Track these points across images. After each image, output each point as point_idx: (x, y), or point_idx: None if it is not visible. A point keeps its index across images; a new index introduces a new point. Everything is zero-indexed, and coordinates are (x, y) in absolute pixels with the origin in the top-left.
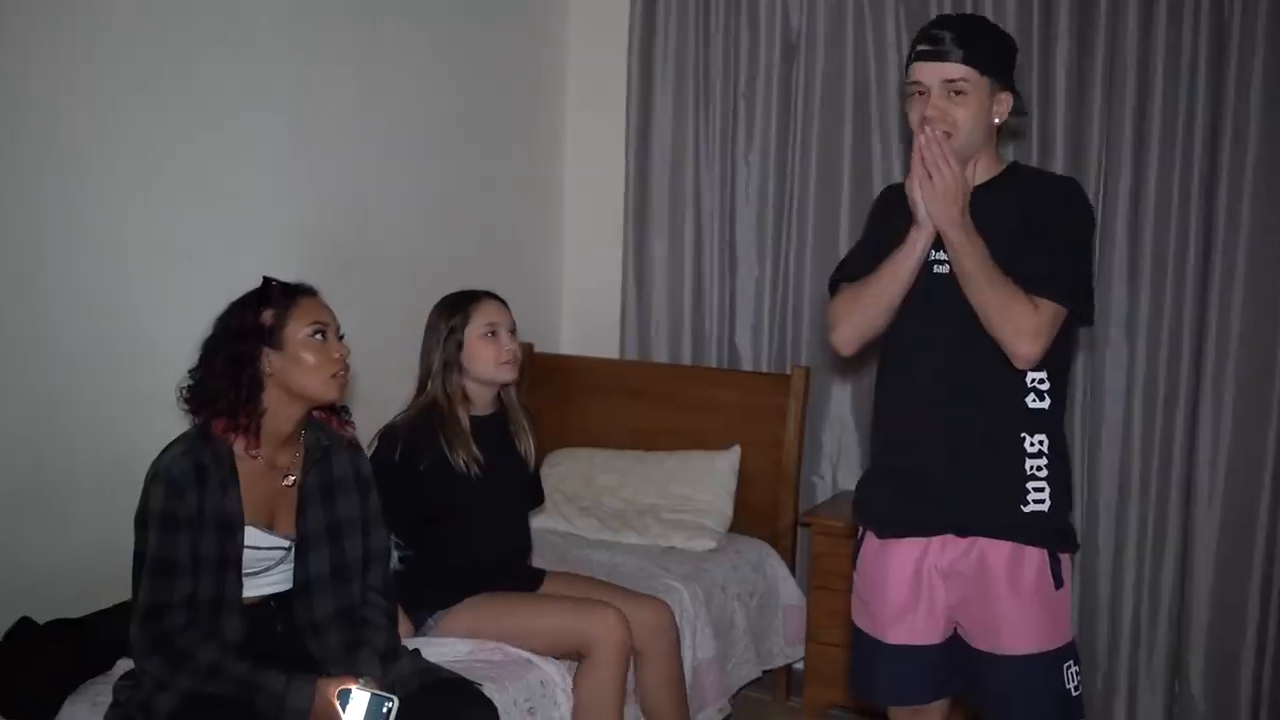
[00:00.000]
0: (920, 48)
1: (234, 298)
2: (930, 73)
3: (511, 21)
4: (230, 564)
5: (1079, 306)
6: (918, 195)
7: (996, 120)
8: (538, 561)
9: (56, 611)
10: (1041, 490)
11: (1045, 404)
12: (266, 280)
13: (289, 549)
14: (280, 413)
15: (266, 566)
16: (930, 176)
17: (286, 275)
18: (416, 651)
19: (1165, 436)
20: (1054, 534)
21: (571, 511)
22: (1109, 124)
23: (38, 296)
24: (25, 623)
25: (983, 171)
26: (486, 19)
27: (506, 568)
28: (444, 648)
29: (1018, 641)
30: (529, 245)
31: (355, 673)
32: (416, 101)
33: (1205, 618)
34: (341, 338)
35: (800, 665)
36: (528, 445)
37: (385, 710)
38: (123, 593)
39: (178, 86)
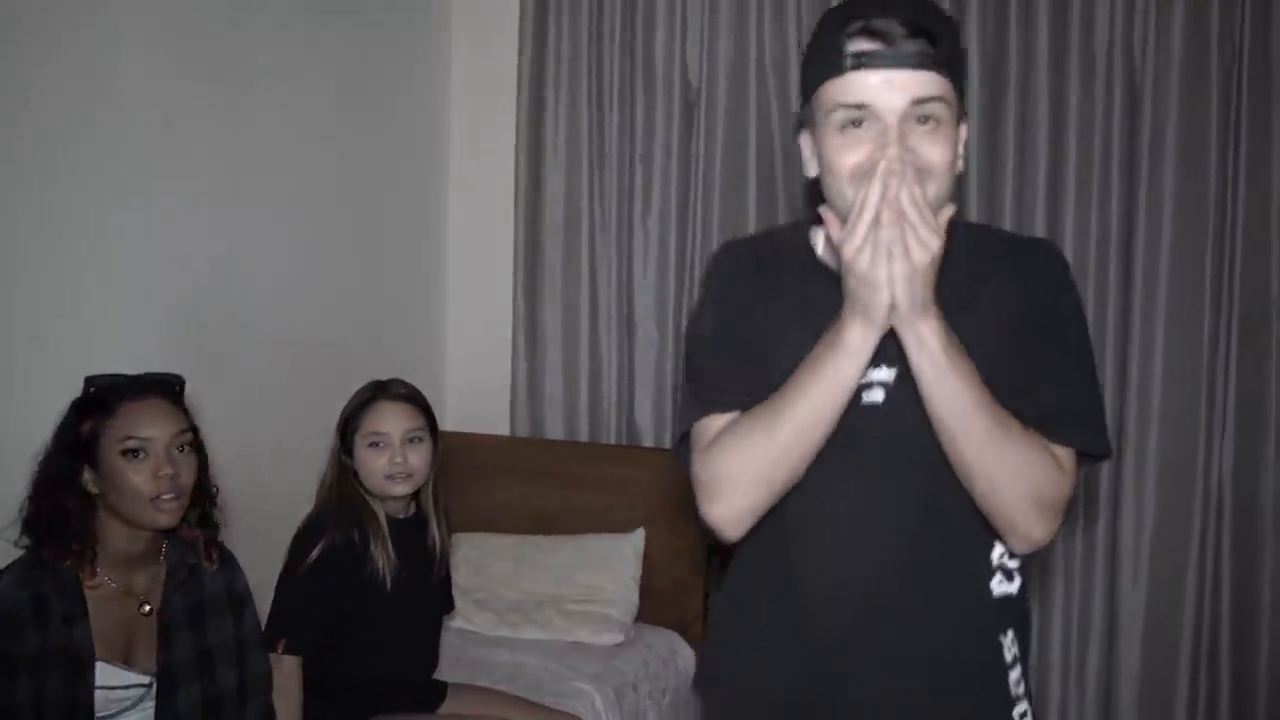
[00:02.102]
0: (861, 47)
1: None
2: (884, 90)
3: (392, 76)
4: (81, 709)
5: (1108, 448)
6: (881, 276)
7: (961, 160)
8: None
9: None
10: (1026, 716)
11: (1014, 586)
12: (88, 381)
13: (149, 686)
14: (118, 537)
15: (123, 708)
16: (909, 252)
17: (147, 358)
18: None
19: (1088, 516)
20: None
21: (466, 606)
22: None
23: None
24: None
25: None
26: (365, 77)
27: (409, 687)
28: None
29: None
30: (410, 316)
31: None
32: (287, 165)
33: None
34: (195, 445)
35: None
36: (444, 550)
37: None
38: None
39: (22, 150)
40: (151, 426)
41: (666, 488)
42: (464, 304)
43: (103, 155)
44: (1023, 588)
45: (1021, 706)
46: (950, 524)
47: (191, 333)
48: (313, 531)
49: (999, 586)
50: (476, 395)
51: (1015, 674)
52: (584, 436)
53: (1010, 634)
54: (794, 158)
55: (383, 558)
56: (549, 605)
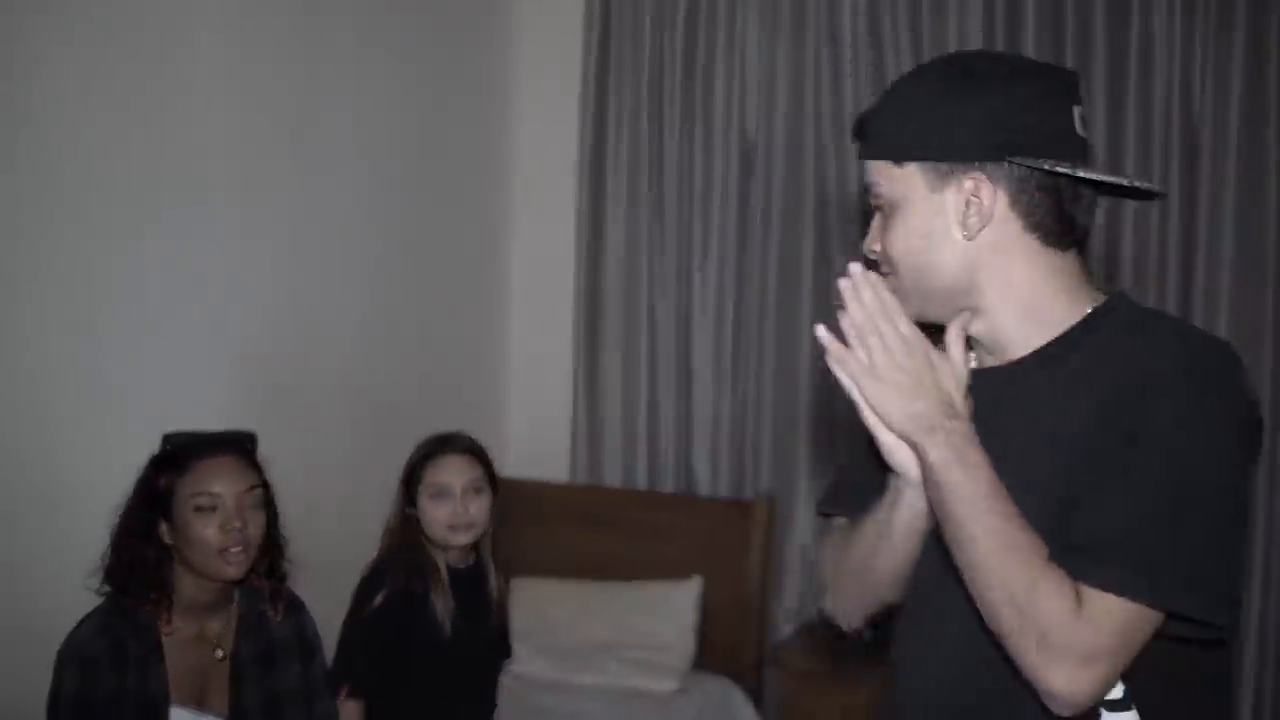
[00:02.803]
0: None
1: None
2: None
3: (457, 129)
4: None
5: (1180, 599)
6: (855, 394)
7: (973, 228)
8: None
9: None
10: None
11: (1127, 717)
12: (165, 439)
13: None
14: (192, 587)
15: None
16: (870, 359)
17: (217, 408)
18: None
19: None
20: None
21: (524, 650)
22: None
23: None
24: None
25: (1027, 334)
26: (432, 134)
27: None
28: None
29: None
30: (473, 364)
31: None
32: (357, 219)
33: None
34: (267, 500)
35: None
36: (502, 598)
37: None
38: None
39: (103, 208)
40: (221, 483)
41: (723, 536)
42: (526, 353)
43: (177, 210)
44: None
45: None
46: None
47: (262, 385)
48: (376, 579)
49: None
50: (537, 442)
51: None
52: (642, 484)
53: None
54: (849, 207)
55: (443, 606)
56: (606, 651)
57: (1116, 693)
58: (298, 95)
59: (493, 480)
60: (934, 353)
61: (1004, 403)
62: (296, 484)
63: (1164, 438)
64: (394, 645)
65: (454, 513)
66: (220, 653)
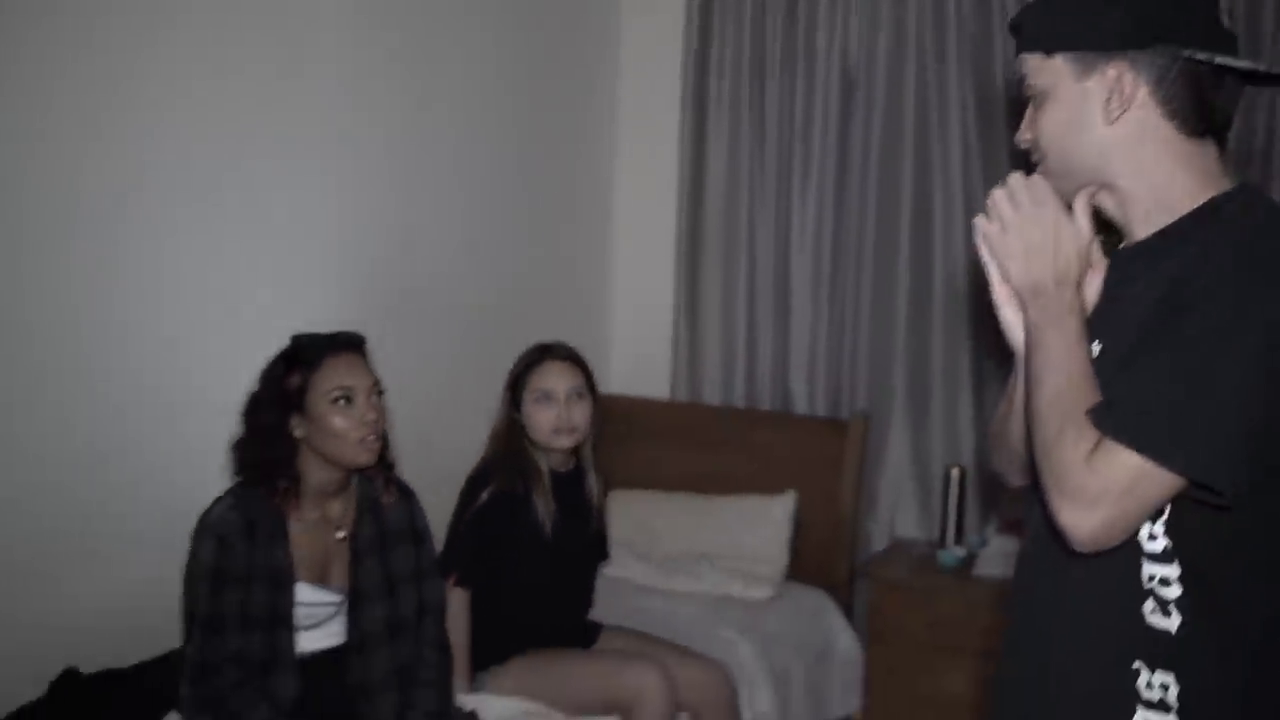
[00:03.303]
0: None
1: (284, 344)
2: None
3: (563, 57)
4: (281, 620)
5: (1179, 460)
6: (991, 268)
7: (1113, 114)
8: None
9: (102, 660)
10: None
11: (1170, 622)
12: (294, 339)
13: (340, 604)
14: (318, 474)
15: (317, 622)
16: (1004, 221)
17: (332, 319)
18: (473, 713)
19: None
20: None
21: (624, 556)
22: None
23: (84, 346)
24: (70, 674)
25: (1146, 216)
26: (538, 56)
27: (566, 626)
28: (497, 707)
29: None
30: (578, 285)
31: None
32: (464, 140)
33: None
34: (382, 393)
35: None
36: (600, 502)
37: None
38: (169, 641)
39: (223, 130)
40: (354, 377)
41: (818, 453)
42: (629, 274)
43: (298, 133)
44: (1189, 631)
45: None
46: None
47: (372, 296)
48: (481, 479)
49: (1152, 616)
50: (639, 361)
51: (1153, 716)
52: (740, 402)
53: (1159, 674)
54: (949, 135)
55: (544, 507)
56: (703, 560)
57: (1158, 546)
58: (410, 28)
59: (593, 389)
60: (1064, 224)
61: (1123, 280)
62: (403, 390)
63: (1200, 308)
64: (497, 540)
65: (558, 416)
66: (340, 534)
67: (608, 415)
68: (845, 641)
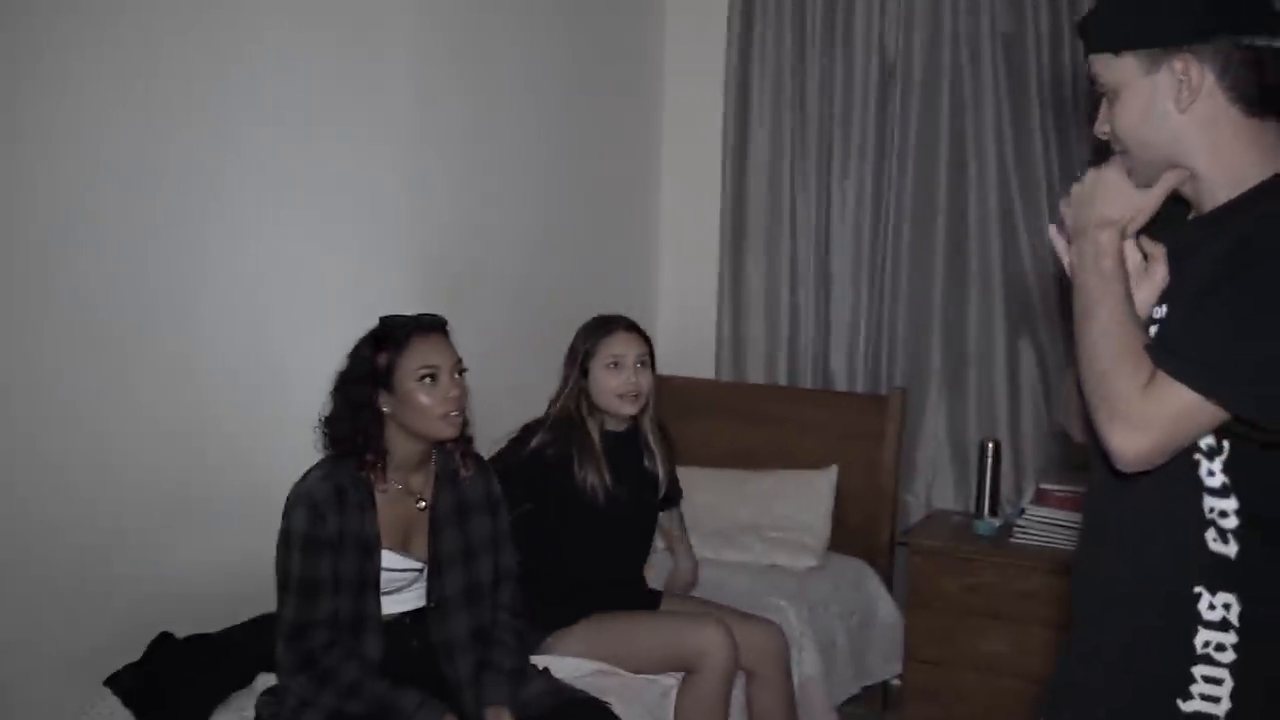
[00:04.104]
0: None
1: (359, 325)
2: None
3: (611, 52)
4: (369, 584)
5: (1224, 395)
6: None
7: (1184, 104)
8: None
9: (194, 626)
10: (1219, 683)
11: (1229, 549)
12: (382, 321)
13: (421, 570)
14: (403, 447)
15: (400, 587)
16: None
17: (402, 301)
18: (547, 671)
19: None
20: None
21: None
22: None
23: (182, 329)
24: (165, 637)
25: (1215, 192)
26: (588, 52)
27: (623, 588)
28: (567, 666)
29: None
30: (627, 270)
31: (484, 695)
32: (523, 133)
33: None
34: (463, 371)
35: (896, 682)
36: (657, 465)
37: None
38: (258, 607)
39: (303, 118)
40: (439, 356)
41: (858, 428)
42: (675, 259)
43: (371, 129)
44: (1248, 556)
45: (1207, 669)
46: (1168, 465)
47: (440, 280)
48: (536, 426)
49: (1214, 544)
50: (685, 341)
51: (1213, 635)
52: (782, 380)
53: (1221, 595)
54: (984, 120)
55: (593, 473)
56: (749, 532)
57: (1217, 482)
58: (471, 31)
59: (653, 360)
60: (1108, 178)
61: (1191, 246)
62: (471, 370)
63: (1263, 264)
64: (542, 491)
65: (626, 381)
66: (422, 504)
67: (656, 393)
68: (885, 609)
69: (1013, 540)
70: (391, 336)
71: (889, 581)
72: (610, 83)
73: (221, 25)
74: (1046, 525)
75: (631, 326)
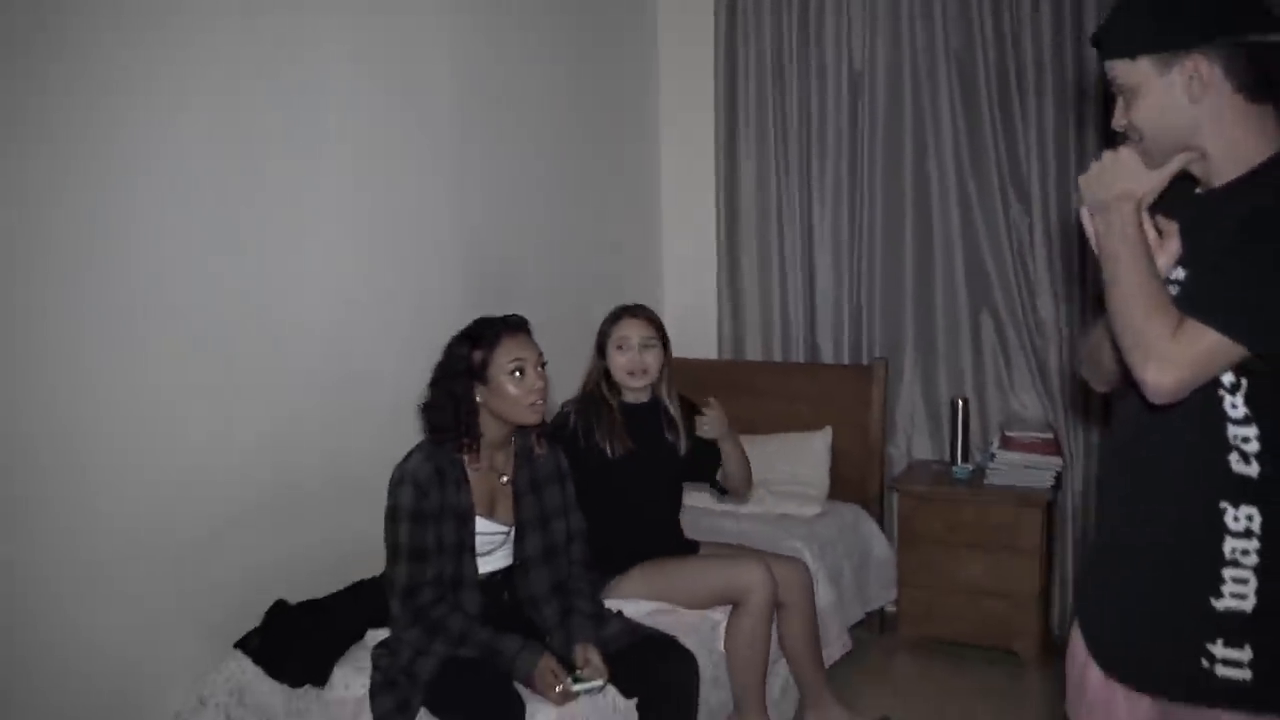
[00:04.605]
0: None
1: (425, 330)
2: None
3: (611, 76)
4: (466, 548)
5: (1245, 335)
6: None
7: (1196, 96)
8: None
9: (302, 593)
10: (1245, 583)
11: (1252, 469)
12: (476, 322)
13: (508, 533)
14: (493, 431)
15: (490, 549)
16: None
17: (450, 306)
18: (620, 613)
19: None
20: (1259, 689)
21: (695, 488)
22: None
23: (278, 332)
24: (280, 604)
25: (1224, 169)
26: (596, 73)
27: (663, 539)
28: (630, 608)
29: None
30: (637, 266)
31: (571, 635)
32: (545, 163)
33: None
34: (544, 365)
35: (891, 608)
36: (676, 432)
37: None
38: (354, 575)
39: (366, 155)
40: (525, 351)
41: (847, 394)
42: (678, 257)
43: (420, 166)
44: (1269, 474)
45: (1235, 571)
46: (1197, 400)
47: (488, 284)
48: (569, 404)
49: (1237, 465)
50: (690, 327)
51: (1239, 543)
52: (777, 357)
53: (1244, 509)
54: (941, 121)
55: (612, 437)
56: (760, 487)
57: (1239, 413)
58: (498, 78)
59: (664, 339)
60: (1139, 168)
61: (1204, 217)
62: None
63: (1270, 229)
64: (573, 452)
65: (631, 360)
66: (505, 479)
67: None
68: (880, 546)
69: (986, 482)
70: (484, 335)
71: (881, 522)
72: (613, 116)
73: (300, 71)
74: (1014, 468)
75: (637, 313)
